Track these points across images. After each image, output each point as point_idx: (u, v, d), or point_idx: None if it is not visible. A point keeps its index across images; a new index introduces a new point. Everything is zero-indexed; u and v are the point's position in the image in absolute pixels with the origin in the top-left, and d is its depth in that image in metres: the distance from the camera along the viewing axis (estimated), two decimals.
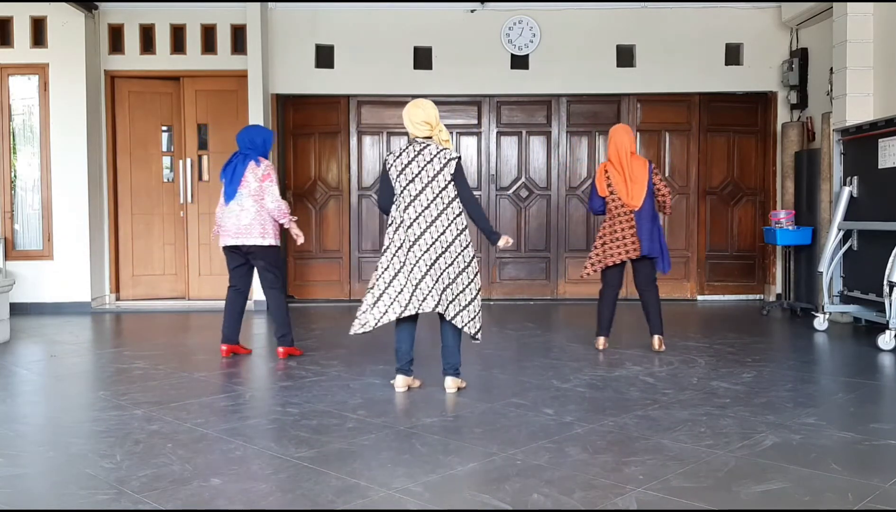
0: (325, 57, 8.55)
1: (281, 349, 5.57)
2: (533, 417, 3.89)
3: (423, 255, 4.27)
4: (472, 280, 4.38)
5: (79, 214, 7.98)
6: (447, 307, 4.30)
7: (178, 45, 8.36)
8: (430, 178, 4.28)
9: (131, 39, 8.31)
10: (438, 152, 4.31)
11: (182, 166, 8.47)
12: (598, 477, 3.01)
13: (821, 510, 2.69)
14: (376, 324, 4.34)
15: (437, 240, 4.28)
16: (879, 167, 6.21)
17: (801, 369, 5.15)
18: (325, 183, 8.81)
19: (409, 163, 4.31)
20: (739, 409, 4.00)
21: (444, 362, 4.48)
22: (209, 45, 8.37)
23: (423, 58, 8.55)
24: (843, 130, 6.73)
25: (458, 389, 4.47)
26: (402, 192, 4.32)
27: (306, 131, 8.83)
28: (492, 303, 8.59)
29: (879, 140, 6.21)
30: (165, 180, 8.59)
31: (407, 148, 4.36)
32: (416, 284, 4.29)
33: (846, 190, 6.54)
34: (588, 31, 8.48)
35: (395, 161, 4.35)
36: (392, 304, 4.33)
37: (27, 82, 8.05)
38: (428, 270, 4.28)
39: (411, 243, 4.29)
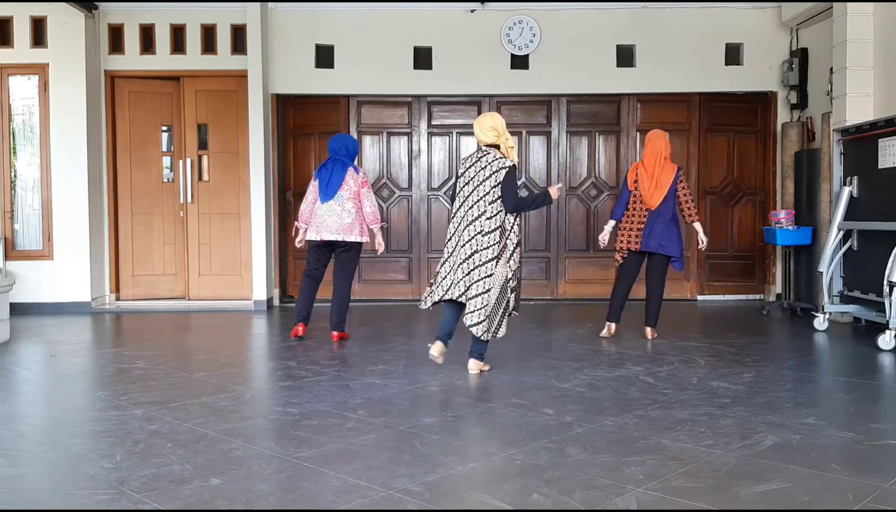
0: (325, 57, 8.55)
1: (336, 334, 6.10)
2: (533, 417, 3.89)
3: (461, 249, 4.77)
4: (494, 283, 4.73)
5: (79, 214, 7.98)
6: (468, 302, 4.74)
7: (178, 45, 8.36)
8: (479, 182, 4.77)
9: (131, 39, 8.31)
10: (495, 159, 4.79)
11: (182, 166, 8.47)
12: (598, 477, 3.01)
13: (821, 510, 2.69)
14: (431, 304, 4.92)
15: (472, 238, 4.74)
16: (879, 167, 6.21)
17: (801, 369, 5.15)
18: None
19: (470, 166, 4.86)
20: (739, 409, 4.00)
21: (471, 347, 4.90)
22: (209, 45, 8.37)
23: (423, 58, 8.55)
24: (843, 130, 6.73)
25: (480, 371, 4.88)
26: (459, 191, 4.89)
27: (306, 131, 8.82)
28: None
29: (879, 140, 6.21)
30: (165, 180, 8.59)
31: (473, 154, 4.92)
32: (454, 274, 4.78)
33: (846, 190, 6.53)
34: (588, 31, 8.48)
35: (462, 164, 4.95)
36: (437, 288, 4.88)
37: (27, 82, 8.05)
38: (460, 264, 4.75)
39: (459, 238, 4.80)
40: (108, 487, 2.94)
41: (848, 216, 6.51)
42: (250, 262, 8.32)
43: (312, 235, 6.02)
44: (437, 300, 4.87)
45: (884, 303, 5.74)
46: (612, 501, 2.76)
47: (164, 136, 8.62)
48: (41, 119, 8.01)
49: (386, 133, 8.79)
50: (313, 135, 8.81)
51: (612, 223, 6.16)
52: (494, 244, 4.71)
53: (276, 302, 8.61)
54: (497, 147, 4.84)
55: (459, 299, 4.75)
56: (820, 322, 6.50)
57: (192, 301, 8.47)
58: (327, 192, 5.97)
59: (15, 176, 8.11)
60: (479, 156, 4.85)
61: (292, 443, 3.49)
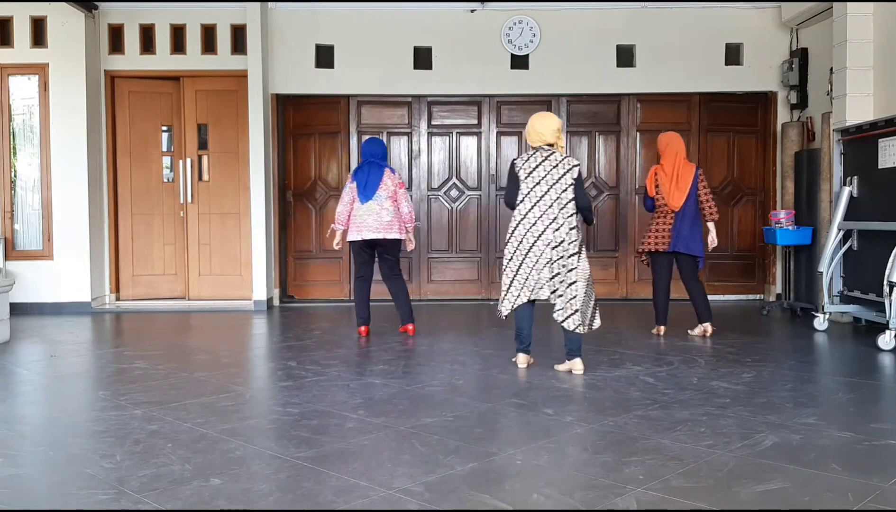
0: (325, 57, 8.55)
1: (411, 326, 6.37)
2: (533, 417, 3.89)
3: (548, 249, 4.80)
4: (578, 276, 4.83)
5: (79, 214, 7.98)
6: (556, 300, 4.84)
7: (178, 45, 8.36)
8: (554, 181, 4.81)
9: (131, 39, 8.32)
10: (562, 159, 4.86)
11: (182, 166, 8.47)
12: (598, 477, 3.01)
13: (821, 510, 2.69)
14: (512, 308, 4.90)
15: (553, 237, 4.80)
16: (879, 167, 6.21)
17: (801, 369, 5.15)
18: (326, 183, 8.81)
19: (537, 166, 4.84)
20: (739, 409, 4.00)
21: (566, 347, 4.95)
22: (209, 45, 8.37)
23: (423, 58, 8.55)
24: (843, 130, 6.73)
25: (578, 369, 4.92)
26: (529, 192, 4.83)
27: (306, 131, 8.83)
28: (492, 303, 8.59)
29: (879, 140, 6.21)
30: (165, 180, 8.59)
31: (534, 153, 4.89)
32: (539, 275, 4.82)
33: (846, 190, 6.53)
34: (588, 31, 8.48)
35: (523, 164, 4.89)
36: (522, 291, 4.86)
37: (27, 82, 8.05)
38: (547, 264, 4.80)
39: (535, 238, 4.81)
40: (108, 487, 2.94)
41: (848, 216, 6.51)
42: (250, 262, 8.32)
43: (354, 236, 6.19)
44: (524, 302, 4.87)
45: (884, 303, 5.74)
46: (612, 501, 2.76)
47: (164, 136, 8.62)
48: (41, 119, 8.01)
49: (386, 133, 8.78)
50: (313, 135, 8.81)
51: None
52: (576, 240, 4.84)
53: (276, 302, 8.61)
54: (551, 145, 4.94)
55: (549, 299, 4.85)
56: (820, 322, 6.50)
57: (192, 301, 8.47)
58: (366, 193, 6.16)
59: (15, 176, 8.11)
60: (545, 155, 4.86)
61: (292, 443, 3.49)
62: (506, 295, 4.90)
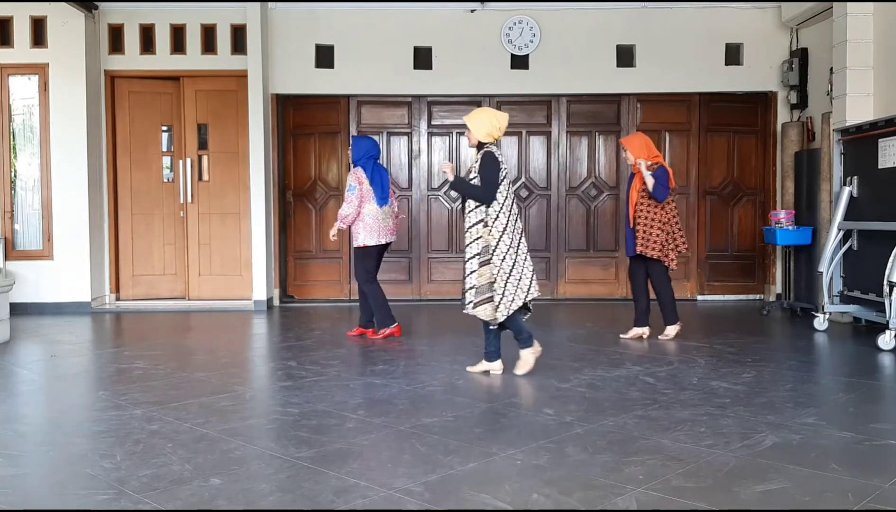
0: (325, 57, 8.55)
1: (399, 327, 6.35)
2: (533, 417, 3.89)
3: (524, 249, 4.80)
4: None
5: (79, 214, 7.98)
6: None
7: (178, 45, 8.36)
8: (510, 181, 4.82)
9: (131, 39, 8.32)
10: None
11: (182, 166, 8.47)
12: (598, 477, 3.01)
13: (821, 510, 2.69)
14: (508, 312, 4.71)
15: (521, 236, 4.82)
16: (879, 167, 6.21)
17: (801, 369, 5.15)
18: (326, 183, 8.81)
19: (504, 167, 4.76)
20: (739, 409, 4.00)
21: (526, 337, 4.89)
22: (209, 45, 8.37)
23: (423, 58, 8.55)
24: (843, 130, 6.73)
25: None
26: (508, 189, 4.74)
27: (306, 131, 8.82)
28: None
29: (879, 140, 6.21)
30: (165, 180, 8.59)
31: (497, 150, 4.79)
32: (532, 270, 4.80)
33: (846, 190, 6.53)
34: (588, 31, 8.48)
35: (499, 162, 4.74)
36: (516, 292, 4.70)
37: (27, 82, 8.05)
38: (525, 262, 4.78)
39: (521, 235, 4.78)
40: (108, 487, 2.94)
41: (848, 216, 6.51)
42: (250, 262, 8.32)
43: (375, 240, 6.17)
44: (525, 302, 4.76)
45: (884, 303, 5.74)
46: (612, 501, 2.76)
47: (164, 136, 8.62)
48: (41, 119, 8.01)
49: (386, 133, 8.79)
50: (313, 135, 8.81)
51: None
52: None
53: (276, 302, 8.60)
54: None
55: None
56: (820, 322, 6.50)
57: (192, 301, 8.47)
58: (384, 197, 6.22)
59: (15, 176, 8.11)
60: (500, 151, 4.84)
61: (292, 443, 3.49)
62: (502, 299, 4.64)
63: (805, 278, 7.59)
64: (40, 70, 7.98)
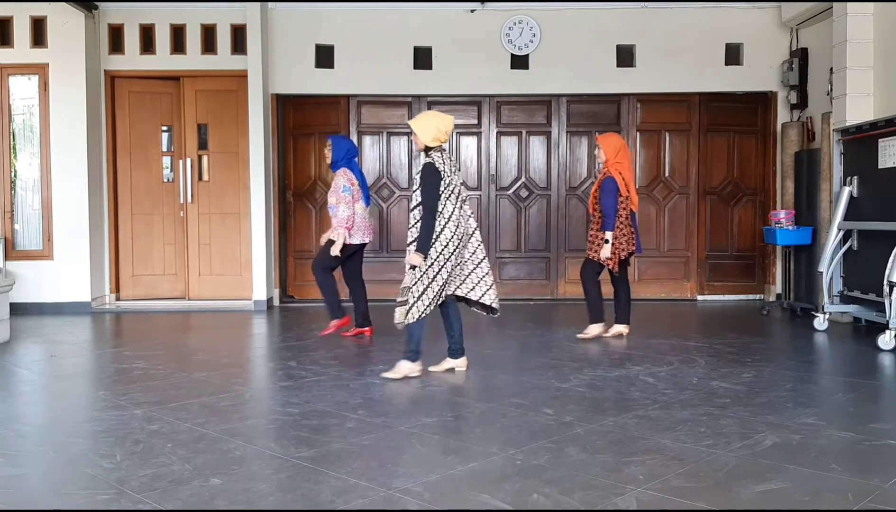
0: (325, 57, 8.55)
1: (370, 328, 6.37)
2: (533, 417, 3.89)
3: (480, 252, 4.85)
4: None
5: (79, 215, 7.98)
6: (470, 293, 4.90)
7: (178, 45, 8.36)
8: (459, 180, 4.80)
9: (131, 39, 8.31)
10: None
11: (182, 166, 8.47)
12: (598, 477, 3.01)
13: (821, 510, 2.69)
14: (425, 312, 4.72)
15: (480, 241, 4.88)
16: (879, 167, 6.21)
17: (801, 369, 5.15)
18: (325, 183, 8.80)
19: (450, 166, 4.72)
20: (739, 409, 4.00)
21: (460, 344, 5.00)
22: (209, 45, 8.37)
23: (423, 58, 8.55)
24: (843, 130, 6.73)
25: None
26: (459, 192, 4.72)
27: (306, 131, 8.82)
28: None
29: (879, 140, 6.21)
30: (165, 180, 8.59)
31: (442, 154, 4.73)
32: (485, 276, 4.85)
33: (846, 190, 6.53)
34: (588, 31, 8.48)
35: (443, 167, 4.67)
36: (433, 302, 4.71)
37: (27, 82, 8.05)
38: (480, 264, 4.86)
39: (469, 236, 4.79)
40: (108, 487, 2.94)
41: (848, 216, 6.51)
42: (250, 262, 8.32)
43: (359, 239, 6.16)
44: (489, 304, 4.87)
45: (884, 303, 5.74)
46: (612, 501, 2.76)
47: (164, 136, 8.62)
48: (41, 119, 8.01)
49: (386, 133, 8.79)
50: (313, 135, 8.80)
51: (610, 234, 5.97)
52: None
53: (276, 302, 8.60)
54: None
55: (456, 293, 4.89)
56: (820, 322, 6.50)
57: (192, 301, 8.46)
58: (367, 195, 6.22)
59: (15, 176, 8.11)
60: (447, 155, 4.76)
61: (292, 443, 3.49)
62: (415, 303, 4.65)
63: (805, 278, 7.59)
64: (40, 70, 7.98)
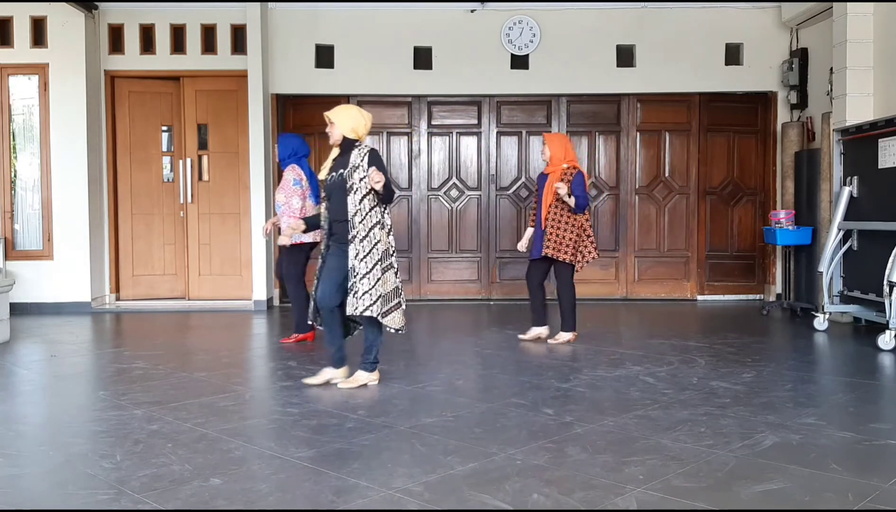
0: (325, 57, 8.55)
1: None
2: (533, 417, 3.89)
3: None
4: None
5: (79, 215, 7.98)
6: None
7: (178, 45, 8.36)
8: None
9: (131, 39, 8.32)
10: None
11: (182, 166, 8.47)
12: (598, 477, 3.01)
13: (821, 510, 2.69)
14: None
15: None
16: (879, 167, 6.21)
17: (801, 369, 5.15)
18: (325, 183, 8.79)
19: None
20: (739, 409, 4.00)
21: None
22: (209, 45, 8.37)
23: (423, 58, 8.55)
24: (843, 130, 6.73)
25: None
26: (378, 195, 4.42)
27: (306, 131, 8.78)
28: (492, 303, 8.59)
29: (879, 140, 6.21)
30: (165, 180, 8.59)
31: (367, 147, 4.52)
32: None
33: (846, 190, 6.54)
34: (588, 31, 8.48)
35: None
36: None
37: (27, 82, 8.05)
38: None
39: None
40: (108, 487, 2.94)
41: (848, 216, 6.51)
42: (250, 262, 8.32)
43: (310, 238, 5.85)
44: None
45: (884, 303, 5.74)
46: (612, 501, 2.76)
47: (164, 136, 8.62)
48: (41, 119, 8.01)
49: (386, 133, 8.79)
50: (313, 135, 8.78)
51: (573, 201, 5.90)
52: None
53: (276, 302, 8.60)
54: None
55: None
56: (820, 322, 6.50)
57: (192, 301, 8.46)
58: (316, 195, 5.94)
59: (15, 176, 8.11)
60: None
61: (292, 443, 3.49)
62: (400, 307, 4.48)
63: (805, 278, 7.59)
64: (40, 70, 7.98)
